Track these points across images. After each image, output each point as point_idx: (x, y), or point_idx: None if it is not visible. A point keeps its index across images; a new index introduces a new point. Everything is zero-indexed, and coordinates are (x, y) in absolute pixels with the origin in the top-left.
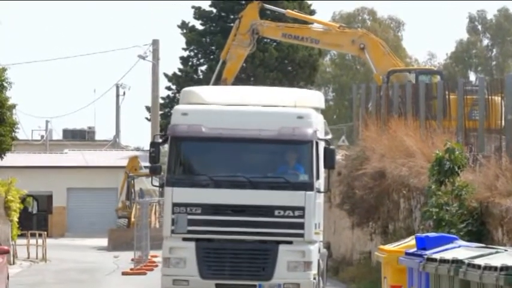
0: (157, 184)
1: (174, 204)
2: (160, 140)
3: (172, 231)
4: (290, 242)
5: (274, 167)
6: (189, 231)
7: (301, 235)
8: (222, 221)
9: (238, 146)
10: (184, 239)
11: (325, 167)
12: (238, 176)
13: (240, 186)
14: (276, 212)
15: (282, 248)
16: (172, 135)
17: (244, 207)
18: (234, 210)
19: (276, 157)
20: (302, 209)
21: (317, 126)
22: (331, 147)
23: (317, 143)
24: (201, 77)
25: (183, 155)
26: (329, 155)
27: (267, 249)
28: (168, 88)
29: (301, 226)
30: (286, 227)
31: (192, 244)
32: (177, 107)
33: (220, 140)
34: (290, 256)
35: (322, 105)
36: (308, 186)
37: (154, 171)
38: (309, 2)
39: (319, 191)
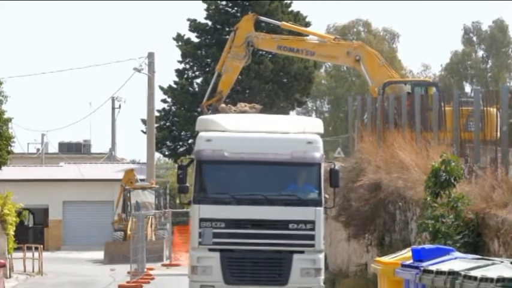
0: (185, 202)
1: (201, 220)
2: (186, 163)
3: (200, 243)
4: (302, 252)
5: (288, 186)
6: (214, 243)
7: (312, 245)
8: (243, 234)
9: (256, 168)
10: (210, 250)
11: (331, 186)
12: (257, 194)
13: (258, 203)
14: (290, 226)
15: (295, 257)
16: (199, 159)
17: (262, 221)
18: (254, 224)
19: (289, 177)
20: (313, 222)
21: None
22: (336, 168)
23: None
24: (196, 89)
25: (208, 176)
26: (334, 175)
27: (282, 258)
28: (164, 101)
29: (312, 237)
30: (299, 238)
31: (217, 254)
32: (201, 134)
33: (240, 162)
34: (303, 264)
35: (322, 131)
36: (317, 203)
37: (182, 190)
38: (304, 14)
39: (326, 207)
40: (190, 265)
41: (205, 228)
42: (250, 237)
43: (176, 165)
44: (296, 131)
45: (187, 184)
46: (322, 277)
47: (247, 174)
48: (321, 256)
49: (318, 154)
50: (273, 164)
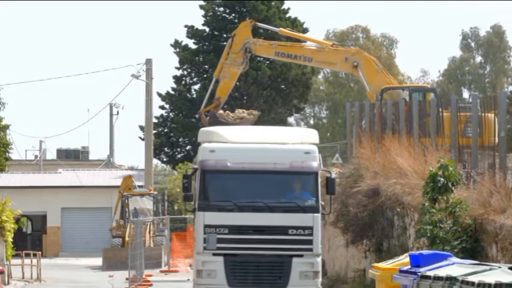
0: (189, 209)
1: (206, 226)
2: (190, 173)
3: (205, 248)
4: (301, 256)
5: (287, 194)
6: (218, 248)
7: (310, 249)
8: (245, 239)
9: (257, 177)
10: (214, 254)
11: (327, 193)
12: (258, 201)
13: (260, 210)
14: (290, 231)
15: (294, 260)
16: (203, 169)
17: (263, 227)
18: (255, 230)
19: (288, 186)
20: (311, 228)
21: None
22: (332, 176)
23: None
24: (194, 96)
25: (212, 185)
26: (330, 183)
27: (282, 261)
28: (162, 107)
29: (310, 242)
30: (298, 243)
31: (221, 258)
32: (204, 145)
33: (242, 172)
34: (302, 267)
35: (318, 141)
36: (315, 209)
37: (187, 199)
38: (302, 20)
39: (323, 213)
40: (195, 269)
41: (209, 234)
42: (252, 243)
43: (174, 172)
44: (294, 141)
45: (192, 192)
46: (320, 279)
47: (248, 183)
48: (319, 260)
49: (315, 163)
50: (273, 173)
